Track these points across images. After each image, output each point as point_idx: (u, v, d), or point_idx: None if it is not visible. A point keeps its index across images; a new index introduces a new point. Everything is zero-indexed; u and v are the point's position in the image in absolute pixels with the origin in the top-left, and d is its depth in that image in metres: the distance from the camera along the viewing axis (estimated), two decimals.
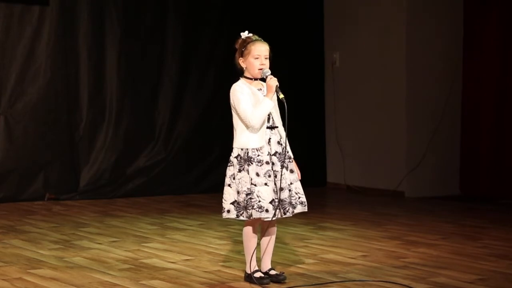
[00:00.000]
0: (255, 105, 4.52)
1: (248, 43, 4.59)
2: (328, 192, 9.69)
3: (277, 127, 4.63)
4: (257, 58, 4.57)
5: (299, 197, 4.63)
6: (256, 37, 4.63)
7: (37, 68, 8.39)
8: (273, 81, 4.53)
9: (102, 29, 8.74)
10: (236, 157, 4.56)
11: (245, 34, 4.64)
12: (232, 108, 4.59)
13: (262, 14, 9.36)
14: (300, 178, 4.68)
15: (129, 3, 8.87)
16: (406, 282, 4.72)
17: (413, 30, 9.11)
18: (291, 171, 4.63)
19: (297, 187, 4.64)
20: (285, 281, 4.67)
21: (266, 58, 4.59)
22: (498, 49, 8.90)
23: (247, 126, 4.53)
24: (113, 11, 8.77)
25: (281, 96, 4.53)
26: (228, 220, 4.70)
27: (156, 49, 9.06)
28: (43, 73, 8.41)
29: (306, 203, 4.65)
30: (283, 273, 4.72)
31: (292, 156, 4.69)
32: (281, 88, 4.56)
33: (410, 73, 9.12)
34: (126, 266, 5.14)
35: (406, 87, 9.13)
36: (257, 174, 4.50)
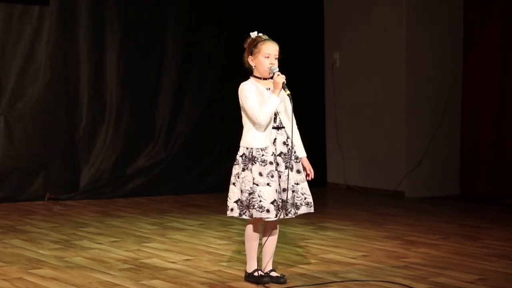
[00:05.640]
0: (261, 104, 4.52)
1: (259, 42, 4.58)
2: (328, 192, 9.69)
3: (283, 127, 4.62)
4: (267, 57, 4.56)
5: (305, 198, 4.60)
6: (266, 36, 4.63)
7: (37, 68, 8.39)
8: (280, 78, 4.52)
9: (102, 29, 8.74)
10: (241, 156, 4.56)
11: (254, 34, 4.64)
12: (241, 107, 4.59)
13: (262, 14, 9.36)
14: (312, 177, 4.67)
15: (129, 3, 8.87)
16: (406, 282, 4.72)
17: (413, 30, 9.11)
18: (298, 172, 4.61)
19: (304, 187, 4.61)
20: (286, 283, 4.66)
21: (275, 58, 4.59)
22: (498, 49, 8.90)
23: (254, 124, 4.53)
24: (113, 11, 8.77)
25: (287, 92, 4.53)
26: (232, 218, 4.69)
27: (156, 49, 9.06)
28: (43, 73, 8.41)
29: (312, 204, 4.63)
30: (284, 275, 4.71)
31: (304, 155, 4.66)
32: (286, 84, 4.56)
33: (410, 73, 9.12)
34: (127, 266, 5.14)
35: (406, 87, 9.13)
36: (260, 174, 4.50)
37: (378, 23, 9.35)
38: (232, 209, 4.59)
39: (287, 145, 4.59)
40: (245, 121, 4.59)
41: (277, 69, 4.56)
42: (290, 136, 4.58)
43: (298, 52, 9.67)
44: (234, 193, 4.58)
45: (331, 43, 9.95)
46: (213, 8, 9.34)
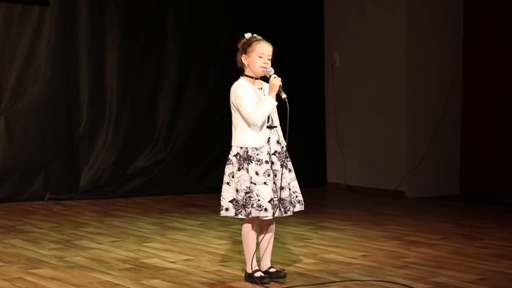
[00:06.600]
0: (256, 103, 4.53)
1: (253, 41, 4.60)
2: (328, 192, 9.69)
3: (276, 126, 4.64)
4: (261, 56, 4.57)
5: (296, 196, 4.67)
6: (260, 37, 4.64)
7: (37, 68, 8.39)
8: (277, 81, 4.54)
9: (102, 29, 8.74)
10: (235, 156, 4.57)
11: (248, 35, 4.65)
12: (232, 106, 4.60)
13: (263, 14, 9.36)
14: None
15: (129, 3, 8.88)
16: (406, 282, 4.72)
17: (413, 30, 9.11)
18: (290, 170, 4.65)
19: (295, 186, 4.68)
20: (286, 277, 4.67)
21: (268, 59, 4.60)
22: (498, 49, 8.90)
23: (248, 124, 4.53)
24: (113, 11, 8.77)
25: (284, 96, 4.54)
26: (226, 218, 4.70)
27: (156, 49, 9.06)
28: (43, 73, 8.41)
29: (303, 201, 4.70)
30: (284, 269, 4.74)
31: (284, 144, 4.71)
32: (282, 88, 4.57)
33: (410, 73, 9.12)
34: (127, 266, 5.15)
35: (406, 87, 9.13)
36: (257, 173, 4.51)
37: (378, 23, 9.35)
38: (227, 209, 4.61)
39: (280, 144, 4.61)
40: (236, 120, 4.60)
41: (273, 71, 4.58)
42: (281, 136, 4.62)
43: (298, 52, 9.68)
44: (228, 193, 4.60)
45: (331, 43, 9.95)
46: (213, 8, 9.34)
